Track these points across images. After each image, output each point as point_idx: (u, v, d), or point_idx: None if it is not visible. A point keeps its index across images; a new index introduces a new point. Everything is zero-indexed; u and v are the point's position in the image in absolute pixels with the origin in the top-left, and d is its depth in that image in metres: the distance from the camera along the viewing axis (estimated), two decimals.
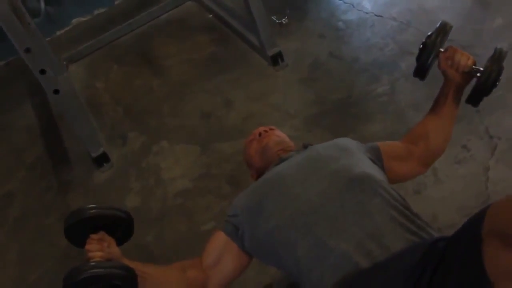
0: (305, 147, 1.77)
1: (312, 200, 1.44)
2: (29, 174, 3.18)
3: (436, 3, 3.29)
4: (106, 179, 2.94)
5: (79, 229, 1.46)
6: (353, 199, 1.42)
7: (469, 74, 1.65)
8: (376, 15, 3.35)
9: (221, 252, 1.59)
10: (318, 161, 1.57)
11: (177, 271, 1.55)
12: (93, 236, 1.44)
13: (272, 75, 3.22)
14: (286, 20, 3.58)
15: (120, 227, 1.52)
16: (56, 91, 2.72)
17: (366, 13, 3.43)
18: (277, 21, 3.57)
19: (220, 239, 1.61)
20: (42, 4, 4.22)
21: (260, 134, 1.86)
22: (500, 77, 1.62)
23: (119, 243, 1.50)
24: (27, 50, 2.56)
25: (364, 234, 1.35)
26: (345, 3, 3.59)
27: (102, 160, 2.98)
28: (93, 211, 1.48)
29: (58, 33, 4.40)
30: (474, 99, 1.67)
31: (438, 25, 1.70)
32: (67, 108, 2.86)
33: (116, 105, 3.43)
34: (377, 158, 1.68)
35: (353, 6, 3.53)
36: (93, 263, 1.36)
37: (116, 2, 4.50)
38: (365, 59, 3.08)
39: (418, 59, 1.70)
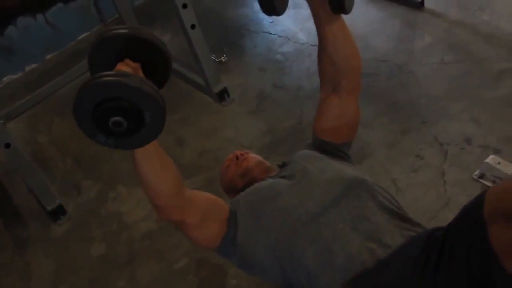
0: (282, 166, 1.81)
1: (310, 210, 1.48)
2: None
3: (367, 29, 3.47)
4: (66, 231, 2.86)
5: (110, 49, 1.26)
6: (349, 204, 1.47)
7: None
8: (312, 45, 3.49)
9: (214, 214, 1.57)
10: (308, 173, 1.61)
11: (179, 176, 1.49)
12: (129, 61, 1.28)
13: (220, 110, 3.28)
14: (225, 57, 3.67)
15: (155, 66, 1.33)
16: (8, 145, 2.67)
17: (302, 44, 3.57)
18: (216, 60, 3.65)
19: (223, 208, 1.60)
20: None
21: (237, 158, 1.89)
22: None
23: None
24: None
25: (364, 237, 1.40)
26: (280, 36, 3.72)
27: (58, 212, 2.91)
28: (146, 34, 1.27)
29: None
30: (336, 6, 1.49)
31: None
32: (18, 163, 2.79)
33: (64, 157, 3.37)
34: (330, 147, 1.72)
35: (288, 39, 3.66)
36: (128, 73, 1.15)
37: (48, 57, 4.44)
38: (309, 86, 3.20)
39: None
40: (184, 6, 2.86)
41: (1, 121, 3.75)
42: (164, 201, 1.43)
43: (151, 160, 1.35)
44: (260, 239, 1.51)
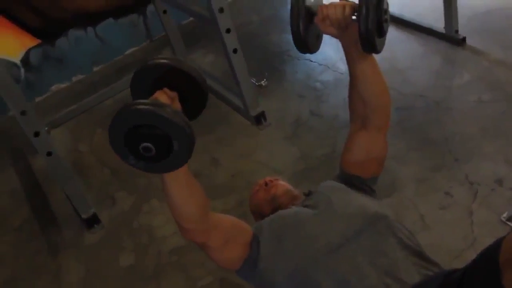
0: (308, 194, 1.86)
1: (331, 241, 1.51)
2: (17, 237, 3.17)
3: (407, 63, 3.51)
4: (98, 240, 2.96)
5: (151, 78, 1.34)
6: (369, 239, 1.50)
7: (355, 22, 1.45)
8: None
9: (236, 238, 1.61)
10: (331, 205, 1.64)
11: (206, 201, 1.52)
12: (167, 90, 1.34)
13: (256, 134, 3.34)
14: (265, 82, 3.75)
15: (193, 100, 1.40)
16: (49, 153, 2.77)
17: (341, 73, 3.62)
18: (256, 83, 3.73)
19: (246, 232, 1.64)
20: (22, 72, 4.31)
21: (266, 184, 1.94)
22: (385, 9, 1.46)
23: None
24: (23, 113, 2.62)
25: (382, 271, 1.43)
26: (320, 64, 3.78)
27: (92, 221, 3.01)
28: (186, 66, 1.35)
29: (37, 99, 4.45)
30: (367, 46, 1.46)
31: None
32: (57, 171, 2.90)
33: (102, 167, 3.48)
34: (356, 181, 1.75)
35: (328, 67, 3.72)
36: (166, 104, 1.22)
37: (95, 69, 4.61)
38: (345, 116, 3.20)
39: (292, 32, 1.52)
40: (228, 30, 2.95)
41: (46, 128, 3.91)
42: (189, 224, 1.50)
43: (179, 184, 1.41)
44: (280, 265, 1.55)
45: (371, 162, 1.75)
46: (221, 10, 2.88)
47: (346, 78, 3.44)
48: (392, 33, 3.77)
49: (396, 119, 3.00)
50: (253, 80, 3.75)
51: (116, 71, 4.50)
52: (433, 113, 3.06)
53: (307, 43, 1.55)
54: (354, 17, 1.46)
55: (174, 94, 1.38)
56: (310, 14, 1.52)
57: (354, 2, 1.46)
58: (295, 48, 1.63)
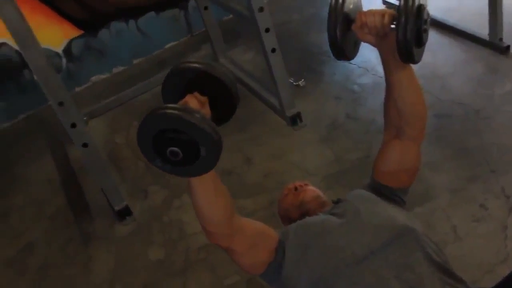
0: (336, 202, 1.83)
1: (356, 252, 1.49)
2: (51, 225, 3.23)
3: (448, 69, 3.44)
4: (129, 232, 2.99)
5: (183, 82, 1.35)
6: (396, 252, 1.48)
7: (393, 31, 1.42)
8: None
9: (262, 243, 1.60)
10: (359, 215, 1.62)
11: (231, 205, 1.51)
12: (197, 95, 1.34)
13: (291, 134, 3.33)
14: (303, 82, 3.73)
15: (223, 106, 1.40)
16: (85, 145, 2.81)
17: (380, 77, 3.53)
18: (294, 83, 3.72)
19: (272, 238, 1.62)
20: (64, 61, 4.39)
21: (296, 189, 1.94)
22: (425, 19, 1.43)
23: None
24: (61, 104, 2.66)
25: (406, 286, 1.41)
26: (359, 67, 3.74)
27: (124, 213, 3.04)
28: (220, 71, 1.35)
29: (77, 89, 4.53)
30: (405, 56, 1.43)
31: None
32: (92, 162, 2.94)
33: (137, 160, 3.51)
34: (386, 191, 1.72)
35: (368, 71, 3.68)
36: (195, 110, 1.22)
37: (135, 61, 4.66)
38: (381, 121, 3.12)
39: (329, 38, 1.51)
40: (267, 30, 2.95)
41: (84, 118, 3.98)
42: (214, 228, 1.50)
43: (206, 187, 1.41)
44: (304, 273, 1.54)
45: (403, 173, 1.73)
46: (260, 9, 2.87)
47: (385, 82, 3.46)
48: (434, 38, 3.75)
49: (432, 126, 2.95)
50: (291, 80, 3.74)
51: (155, 64, 4.55)
52: (472, 122, 2.99)
53: (344, 49, 1.54)
54: (393, 26, 1.43)
55: (204, 99, 1.37)
56: (348, 20, 1.49)
57: (394, 11, 1.43)
58: None
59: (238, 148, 3.34)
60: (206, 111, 1.36)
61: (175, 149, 1.22)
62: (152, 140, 1.24)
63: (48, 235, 3.16)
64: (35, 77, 2.59)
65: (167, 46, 4.74)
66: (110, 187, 3.06)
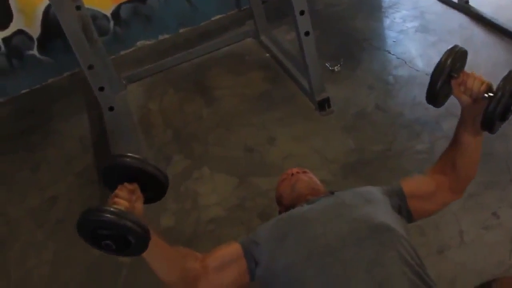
0: (332, 193, 1.85)
1: (330, 243, 1.51)
2: (76, 181, 3.36)
3: (488, 70, 3.32)
4: None
5: (117, 173, 1.49)
6: (370, 248, 1.49)
7: (484, 99, 1.55)
8: (426, 74, 3.42)
9: (229, 262, 1.65)
10: (342, 207, 1.65)
11: (179, 255, 1.61)
12: (127, 185, 1.48)
13: (317, 119, 3.33)
14: (339, 67, 3.71)
15: (154, 187, 1.55)
16: (111, 108, 2.90)
17: (417, 70, 3.51)
18: (330, 68, 3.70)
19: (235, 250, 1.68)
20: (111, 24, 4.49)
21: (292, 175, 1.96)
22: None
23: (147, 201, 1.54)
24: (90, 67, 2.76)
25: (374, 282, 1.42)
26: (398, 58, 3.68)
27: None
28: (136, 162, 1.51)
29: (122, 52, 4.64)
30: (487, 125, 1.55)
31: (450, 47, 1.63)
32: (118, 125, 3.03)
33: (166, 128, 3.59)
34: (401, 201, 1.74)
35: (405, 62, 3.62)
36: (116, 210, 1.37)
37: (181, 30, 4.73)
38: (409, 116, 3.16)
39: (429, 82, 1.63)
40: (302, 12, 2.94)
41: (124, 82, 4.08)
42: (181, 285, 1.60)
43: (153, 257, 1.52)
44: (279, 259, 1.57)
45: (424, 206, 1.80)
46: None
47: (421, 76, 3.43)
48: (480, 35, 3.64)
49: None
50: (327, 64, 3.72)
51: (199, 35, 4.60)
52: (502, 126, 2.90)
53: (437, 97, 1.65)
54: (486, 95, 1.54)
55: (134, 186, 1.50)
56: (451, 75, 1.61)
57: (491, 83, 1.56)
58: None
59: (264, 126, 3.37)
60: (137, 195, 1.49)
61: (108, 242, 1.37)
62: (91, 235, 1.38)
63: (72, 191, 3.29)
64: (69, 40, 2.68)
65: (214, 18, 4.78)
66: (135, 150, 3.14)
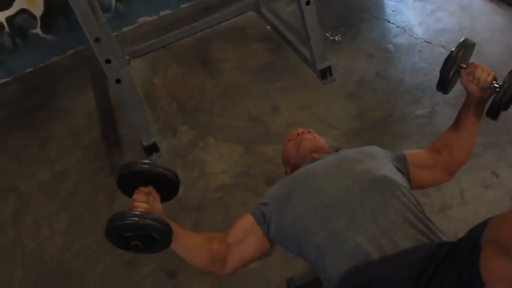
0: (337, 150, 1.92)
1: (335, 195, 1.59)
2: (84, 154, 3.44)
3: (486, 36, 3.39)
4: None
5: (130, 179, 1.58)
6: (373, 198, 1.56)
7: (490, 89, 1.68)
8: (425, 41, 3.48)
9: (246, 233, 1.73)
10: (346, 162, 1.72)
11: (204, 240, 1.68)
12: (142, 188, 1.57)
13: (319, 87, 3.39)
14: (340, 37, 3.76)
15: (167, 186, 1.63)
16: (118, 81, 2.95)
17: (416, 38, 3.56)
18: (331, 38, 3.75)
19: (247, 221, 1.75)
20: (113, 1, 4.52)
21: (298, 135, 2.02)
22: None
23: (163, 200, 1.62)
24: (97, 40, 2.79)
25: (378, 230, 1.48)
26: (397, 27, 3.73)
27: (152, 149, 3.20)
28: (146, 166, 1.60)
29: (124, 29, 4.67)
30: (492, 113, 1.70)
31: (461, 41, 1.76)
32: (125, 98, 3.09)
33: (171, 101, 3.66)
34: (402, 166, 1.81)
35: (405, 31, 3.66)
36: (137, 212, 1.47)
37: (182, 6, 4.76)
38: (410, 82, 3.21)
39: (441, 72, 1.76)
40: None
41: (127, 57, 4.13)
42: (210, 266, 1.68)
43: (181, 248, 1.60)
44: (288, 215, 1.64)
45: (426, 177, 1.88)
46: None
47: (420, 44, 3.48)
48: (478, 3, 3.68)
49: (460, 91, 2.93)
50: (328, 35, 3.77)
51: (201, 10, 4.63)
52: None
53: (447, 85, 1.77)
54: (491, 86, 1.66)
55: (149, 188, 1.58)
56: (460, 66, 1.73)
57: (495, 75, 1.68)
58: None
59: (267, 96, 3.43)
60: (154, 196, 1.57)
61: (136, 242, 1.48)
62: (119, 239, 1.47)
63: (81, 164, 3.37)
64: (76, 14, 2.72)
65: None
66: (141, 123, 3.21)
